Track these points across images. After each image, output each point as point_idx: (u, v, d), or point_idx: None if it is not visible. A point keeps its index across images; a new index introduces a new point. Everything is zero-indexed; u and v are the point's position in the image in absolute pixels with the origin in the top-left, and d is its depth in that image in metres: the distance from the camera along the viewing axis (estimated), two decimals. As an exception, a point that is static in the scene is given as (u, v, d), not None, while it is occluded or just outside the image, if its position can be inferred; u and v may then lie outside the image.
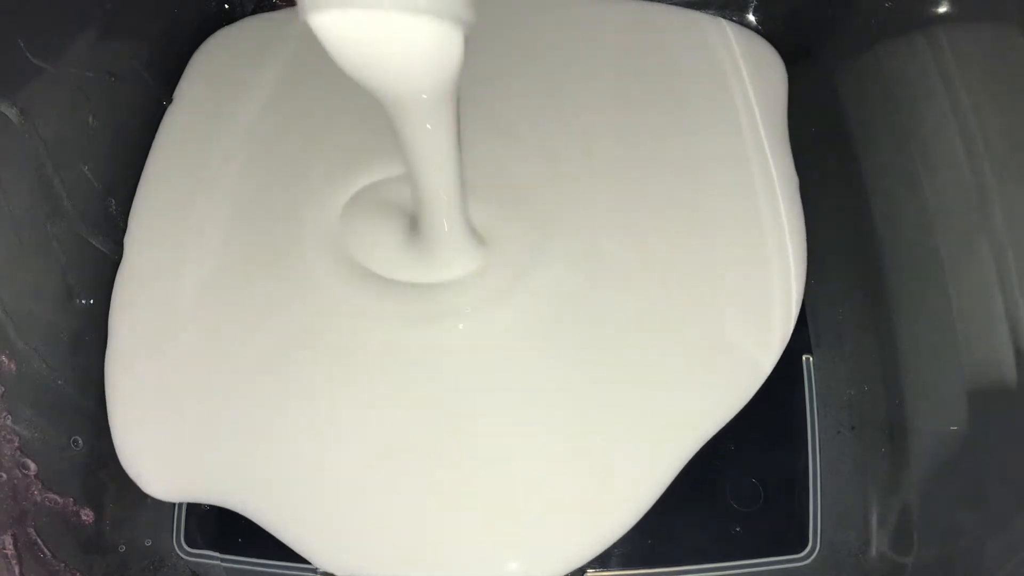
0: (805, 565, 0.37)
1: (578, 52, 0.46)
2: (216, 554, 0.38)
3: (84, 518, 0.37)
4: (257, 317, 0.40)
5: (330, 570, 0.36)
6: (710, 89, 0.44)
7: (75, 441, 0.37)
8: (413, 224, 0.40)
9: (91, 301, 0.40)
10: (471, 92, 0.44)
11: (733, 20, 0.47)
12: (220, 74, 0.47)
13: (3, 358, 0.34)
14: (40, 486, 0.35)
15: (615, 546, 0.36)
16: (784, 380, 0.39)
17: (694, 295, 0.39)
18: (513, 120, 0.44)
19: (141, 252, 0.42)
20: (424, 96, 0.29)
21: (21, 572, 0.33)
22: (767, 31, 0.47)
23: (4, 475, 0.33)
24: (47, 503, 0.35)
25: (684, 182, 0.42)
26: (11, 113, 0.35)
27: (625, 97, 0.44)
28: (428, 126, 0.31)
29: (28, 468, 0.35)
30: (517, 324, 0.39)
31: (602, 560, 0.36)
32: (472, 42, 0.28)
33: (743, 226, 0.41)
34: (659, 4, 0.47)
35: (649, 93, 0.44)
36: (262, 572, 0.38)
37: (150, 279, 0.41)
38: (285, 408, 0.38)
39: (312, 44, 0.45)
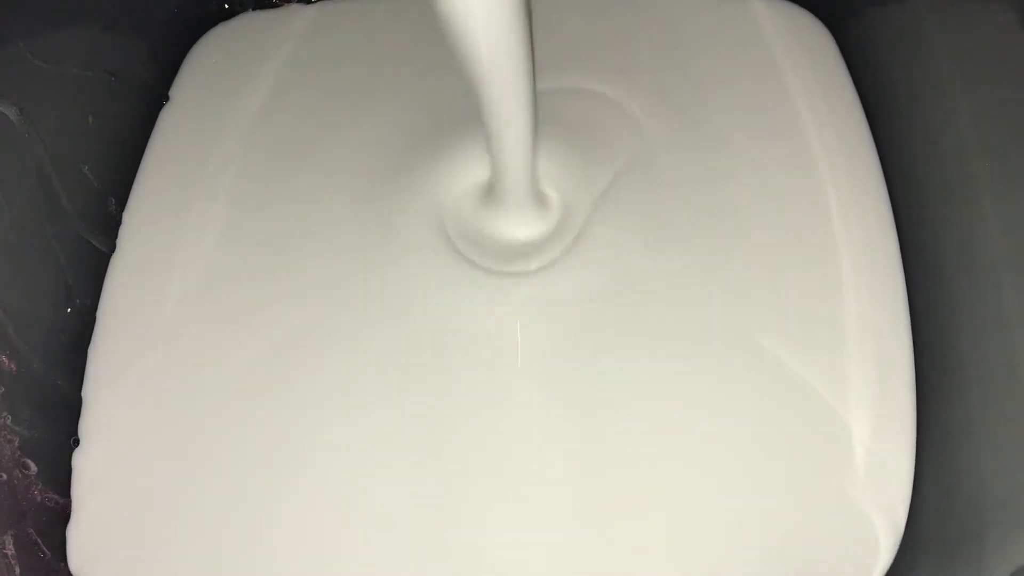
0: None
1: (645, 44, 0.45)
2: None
3: (84, 518, 0.37)
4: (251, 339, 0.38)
5: None
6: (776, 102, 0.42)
7: (75, 441, 0.37)
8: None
9: (91, 301, 0.40)
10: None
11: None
12: (216, 71, 0.47)
13: (3, 358, 0.34)
14: (40, 486, 0.35)
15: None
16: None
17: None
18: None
19: (133, 250, 0.41)
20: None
21: (21, 572, 0.33)
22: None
23: (4, 475, 0.33)
24: (47, 503, 0.35)
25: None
26: (11, 113, 0.35)
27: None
28: (493, 63, 0.28)
29: (28, 468, 0.35)
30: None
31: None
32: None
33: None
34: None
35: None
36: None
37: (141, 277, 0.41)
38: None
39: (309, 41, 0.45)
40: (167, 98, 0.46)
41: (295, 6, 0.49)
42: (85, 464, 0.37)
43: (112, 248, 0.42)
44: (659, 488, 0.34)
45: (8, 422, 0.34)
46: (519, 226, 0.39)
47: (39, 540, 0.34)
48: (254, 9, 0.50)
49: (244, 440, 0.36)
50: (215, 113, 0.45)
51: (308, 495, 0.35)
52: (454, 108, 0.43)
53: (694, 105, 0.42)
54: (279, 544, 0.35)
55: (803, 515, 0.33)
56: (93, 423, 0.38)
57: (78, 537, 0.36)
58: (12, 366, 0.34)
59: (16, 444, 0.34)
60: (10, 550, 0.33)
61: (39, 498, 0.35)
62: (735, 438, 0.35)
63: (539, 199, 0.39)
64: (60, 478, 0.36)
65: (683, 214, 0.39)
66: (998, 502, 0.30)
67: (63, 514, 0.36)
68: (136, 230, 0.42)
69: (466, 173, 0.41)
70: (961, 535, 0.31)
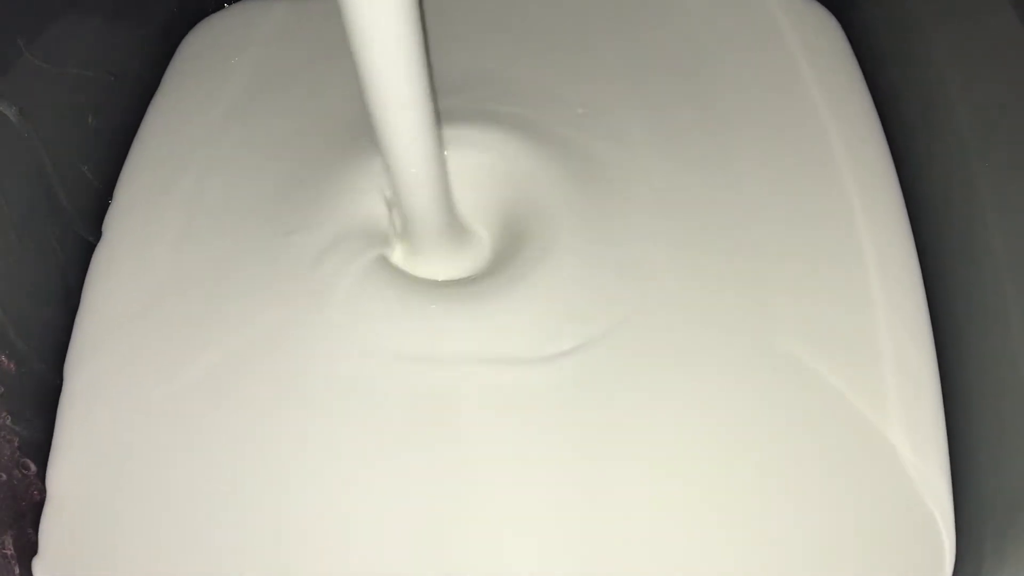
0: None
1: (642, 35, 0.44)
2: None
3: (84, 518, 0.37)
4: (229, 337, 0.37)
5: None
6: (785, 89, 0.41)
7: (75, 441, 0.37)
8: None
9: (91, 301, 0.40)
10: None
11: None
12: (207, 60, 0.46)
13: (3, 358, 0.34)
14: (39, 486, 0.35)
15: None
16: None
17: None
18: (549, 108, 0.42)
19: (115, 239, 0.41)
20: None
21: (20, 572, 0.33)
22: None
23: (4, 475, 0.33)
24: (47, 503, 0.35)
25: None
26: (11, 113, 0.35)
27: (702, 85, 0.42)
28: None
29: (28, 468, 0.35)
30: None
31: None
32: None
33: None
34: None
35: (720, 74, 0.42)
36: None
37: (122, 265, 0.40)
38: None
39: (300, 30, 0.44)
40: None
41: (289, -2, 0.48)
42: (60, 457, 0.36)
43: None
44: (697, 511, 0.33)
45: (8, 422, 0.34)
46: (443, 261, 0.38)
47: (38, 540, 0.34)
48: (250, -1, 0.50)
49: (219, 437, 0.35)
50: (203, 102, 0.44)
51: (285, 496, 0.34)
52: (442, 99, 0.42)
53: (706, 97, 0.42)
54: (245, 544, 0.33)
55: (860, 532, 0.32)
56: (69, 408, 0.37)
57: (48, 533, 0.34)
58: (12, 366, 0.34)
59: (16, 444, 0.34)
60: (9, 550, 0.33)
61: (38, 498, 0.35)
62: (772, 454, 0.33)
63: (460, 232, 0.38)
64: (60, 478, 0.36)
65: (700, 213, 0.38)
66: (1007, 505, 0.31)
67: (62, 514, 0.36)
68: (119, 219, 0.41)
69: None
70: (979, 535, 0.32)
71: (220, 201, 0.41)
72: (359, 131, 0.42)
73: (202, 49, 0.47)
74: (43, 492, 0.35)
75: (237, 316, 0.37)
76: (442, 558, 0.32)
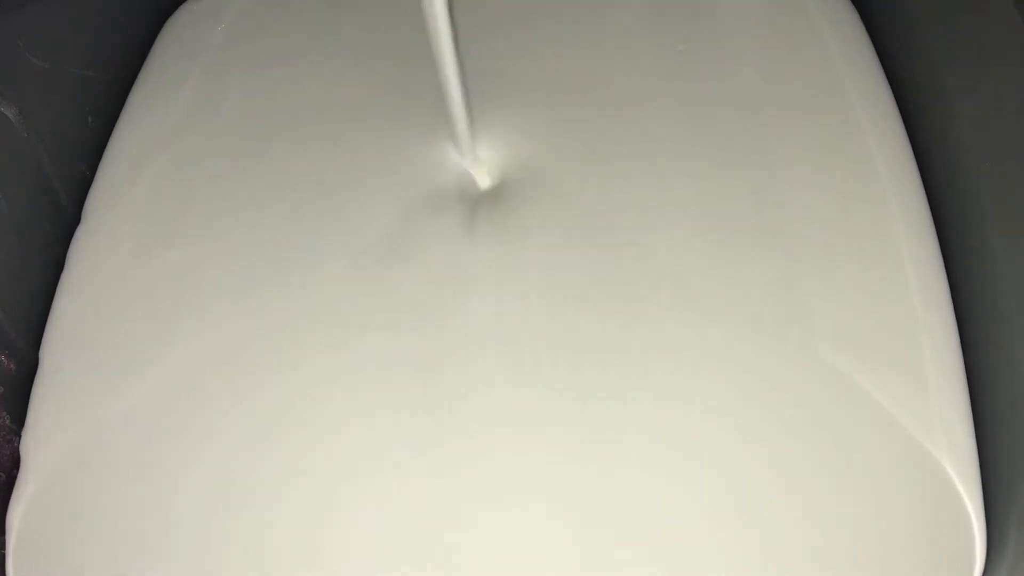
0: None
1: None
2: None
3: (84, 519, 0.37)
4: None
5: None
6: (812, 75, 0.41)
7: (75, 441, 0.37)
8: None
9: (91, 301, 0.40)
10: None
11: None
12: (187, 45, 0.46)
13: (3, 358, 0.34)
14: (39, 486, 0.35)
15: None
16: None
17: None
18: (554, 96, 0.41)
19: (91, 226, 0.40)
20: None
21: (19, 572, 0.33)
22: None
23: (3, 475, 0.33)
24: (46, 503, 0.35)
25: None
26: (11, 113, 0.35)
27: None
28: None
29: (28, 468, 0.35)
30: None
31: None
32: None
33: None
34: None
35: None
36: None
37: (97, 252, 0.39)
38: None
39: (282, 16, 0.42)
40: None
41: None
42: (33, 442, 0.35)
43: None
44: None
45: (8, 422, 0.34)
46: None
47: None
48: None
49: (191, 435, 0.34)
50: (181, 86, 0.44)
51: (272, 494, 0.33)
52: (424, 85, 0.40)
53: (732, 84, 0.41)
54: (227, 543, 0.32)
55: (896, 527, 0.31)
56: (42, 395, 0.36)
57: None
58: (12, 366, 0.34)
59: (16, 444, 0.34)
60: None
61: (39, 498, 0.35)
62: (805, 449, 0.32)
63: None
64: (60, 478, 0.36)
65: (730, 206, 0.37)
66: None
67: (63, 515, 0.36)
68: (96, 202, 0.40)
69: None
70: (1002, 532, 0.31)
71: (190, 194, 0.40)
72: (332, 117, 0.41)
73: (184, 33, 0.46)
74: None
75: (210, 316, 0.36)
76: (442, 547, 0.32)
